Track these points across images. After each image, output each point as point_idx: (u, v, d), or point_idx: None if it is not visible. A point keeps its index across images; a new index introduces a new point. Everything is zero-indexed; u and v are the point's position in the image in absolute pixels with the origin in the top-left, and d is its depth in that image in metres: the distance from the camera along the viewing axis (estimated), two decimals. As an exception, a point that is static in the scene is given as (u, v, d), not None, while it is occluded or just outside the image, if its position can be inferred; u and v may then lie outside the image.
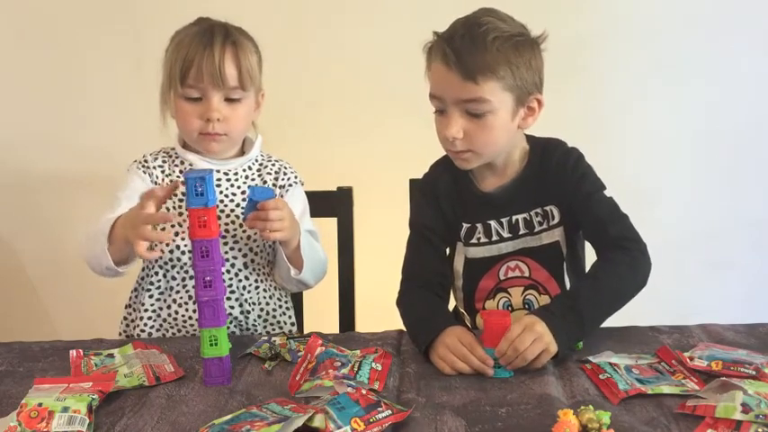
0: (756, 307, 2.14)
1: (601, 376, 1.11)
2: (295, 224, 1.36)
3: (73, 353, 1.24)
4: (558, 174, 1.36)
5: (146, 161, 1.47)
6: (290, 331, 1.48)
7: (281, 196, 1.46)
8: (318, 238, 1.48)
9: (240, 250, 1.42)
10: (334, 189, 1.60)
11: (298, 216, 1.41)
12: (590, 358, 1.17)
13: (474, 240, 1.39)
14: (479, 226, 1.39)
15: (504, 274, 1.39)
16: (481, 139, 1.31)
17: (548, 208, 1.38)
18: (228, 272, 1.41)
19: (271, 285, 1.47)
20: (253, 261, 1.43)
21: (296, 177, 1.50)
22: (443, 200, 1.42)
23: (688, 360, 1.12)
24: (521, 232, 1.38)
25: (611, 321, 1.32)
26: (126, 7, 2.08)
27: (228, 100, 1.38)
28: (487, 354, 1.16)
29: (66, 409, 1.02)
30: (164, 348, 1.26)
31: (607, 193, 1.36)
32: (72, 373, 1.19)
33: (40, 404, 1.02)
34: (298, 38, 2.08)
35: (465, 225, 1.40)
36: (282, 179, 1.48)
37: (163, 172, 1.46)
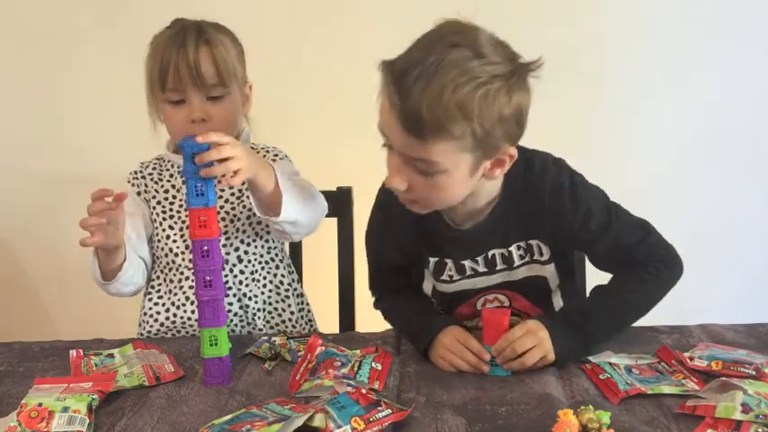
0: (756, 307, 2.14)
1: (601, 376, 1.10)
2: (253, 155, 1.24)
3: (73, 353, 1.24)
4: (551, 210, 1.21)
5: (135, 172, 1.48)
6: (291, 320, 1.47)
7: None
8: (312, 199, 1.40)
9: (232, 245, 1.42)
10: (334, 189, 1.60)
11: (287, 174, 1.35)
12: (590, 358, 1.17)
13: (445, 277, 1.28)
14: (449, 262, 1.27)
15: (482, 305, 1.30)
16: (431, 196, 1.14)
17: (533, 242, 1.24)
18: (223, 268, 1.41)
19: (267, 274, 1.46)
20: (246, 253, 1.43)
21: (276, 155, 1.48)
22: (402, 230, 1.28)
23: (688, 360, 1.12)
24: (498, 267, 1.26)
25: (611, 321, 1.32)
26: (125, 7, 2.08)
27: (211, 98, 1.36)
28: (486, 350, 1.16)
29: (66, 409, 1.02)
30: (164, 348, 1.26)
31: (617, 215, 1.23)
32: (72, 373, 1.19)
33: (40, 404, 1.02)
34: (298, 38, 2.09)
35: (432, 259, 1.27)
36: (264, 158, 1.46)
37: (152, 179, 1.46)
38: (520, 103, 1.08)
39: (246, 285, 1.43)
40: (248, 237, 1.43)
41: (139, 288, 1.45)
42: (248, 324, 1.44)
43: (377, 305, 1.39)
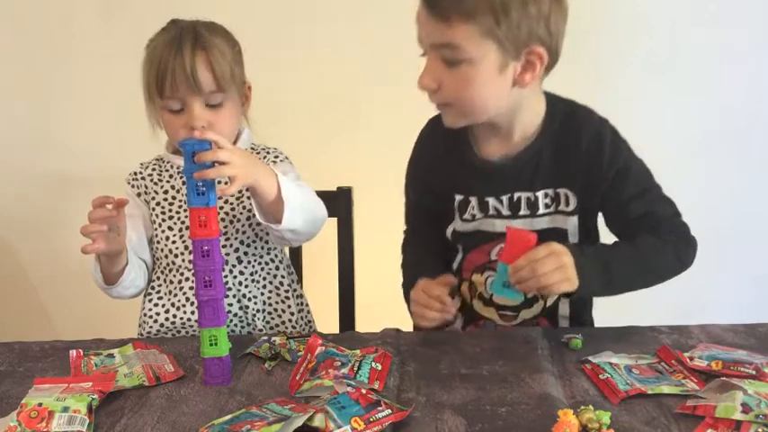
0: (756, 307, 2.14)
1: (601, 376, 1.10)
2: (254, 162, 1.24)
3: (73, 353, 1.24)
4: (588, 160, 1.20)
5: (135, 173, 1.48)
6: (291, 321, 1.48)
7: None
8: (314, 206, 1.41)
9: (232, 245, 1.42)
10: (334, 189, 1.60)
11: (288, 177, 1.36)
12: (590, 358, 1.17)
13: (467, 216, 1.27)
14: (473, 200, 1.26)
15: (497, 255, 1.25)
16: (459, 93, 1.14)
17: (561, 191, 1.23)
18: (223, 269, 1.41)
19: (267, 275, 1.47)
20: (246, 254, 1.43)
21: (276, 157, 1.47)
22: (433, 165, 1.29)
23: (688, 360, 1.12)
24: (521, 212, 1.24)
25: (611, 321, 1.32)
26: (125, 6, 2.08)
27: (210, 105, 1.35)
28: (501, 270, 1.12)
29: (66, 409, 1.02)
30: (164, 348, 1.26)
31: (654, 185, 1.25)
32: (72, 373, 1.19)
33: (40, 404, 1.02)
34: (298, 37, 2.09)
35: (457, 197, 1.27)
36: (265, 160, 1.46)
37: (152, 180, 1.46)
38: (549, 10, 1.11)
39: (246, 286, 1.43)
40: (248, 238, 1.43)
41: (141, 290, 1.46)
42: (248, 325, 1.44)
43: (402, 249, 1.38)
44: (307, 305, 1.54)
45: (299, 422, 0.93)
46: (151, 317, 1.44)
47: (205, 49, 1.34)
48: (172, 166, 1.46)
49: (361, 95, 2.07)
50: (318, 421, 0.94)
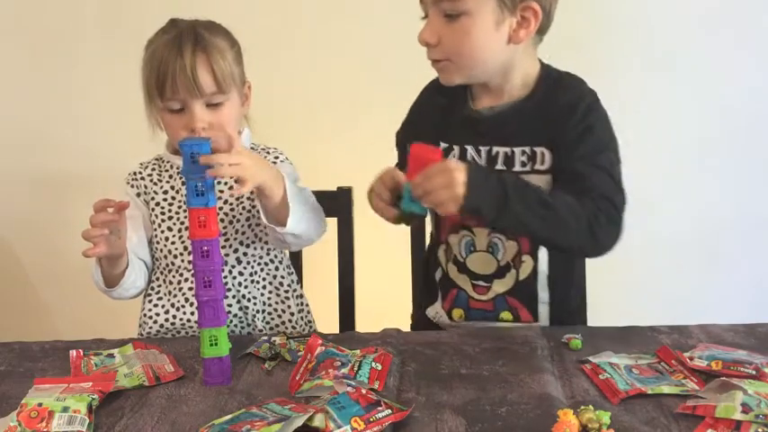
0: (756, 307, 2.14)
1: (601, 376, 1.10)
2: (262, 164, 1.26)
3: (73, 353, 1.24)
4: (562, 116, 1.23)
5: (134, 173, 1.47)
6: (291, 321, 1.47)
7: None
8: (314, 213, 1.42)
9: (231, 246, 1.42)
10: (335, 189, 1.60)
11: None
12: (590, 358, 1.17)
13: None
14: (456, 149, 1.30)
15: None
16: (457, 45, 1.20)
17: (538, 150, 1.25)
18: (222, 270, 1.41)
19: (267, 275, 1.46)
20: (245, 255, 1.43)
21: (277, 158, 1.47)
22: (428, 113, 1.33)
23: (688, 360, 1.12)
24: (497, 167, 1.26)
25: (611, 321, 1.32)
26: (126, 6, 2.08)
27: (211, 105, 1.35)
28: (406, 186, 1.14)
29: (66, 409, 1.02)
30: (164, 348, 1.26)
31: (609, 159, 1.23)
32: (72, 373, 1.19)
33: (40, 404, 1.02)
34: (298, 37, 2.09)
35: (442, 144, 1.30)
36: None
37: (151, 180, 1.46)
38: None
39: (246, 287, 1.43)
40: (248, 238, 1.43)
41: (141, 291, 1.46)
42: (248, 325, 1.44)
43: None
44: (307, 305, 1.53)
45: (299, 422, 0.93)
46: (151, 317, 1.44)
47: (205, 50, 1.34)
48: (171, 166, 1.46)
49: (361, 95, 2.07)
50: (318, 421, 0.94)
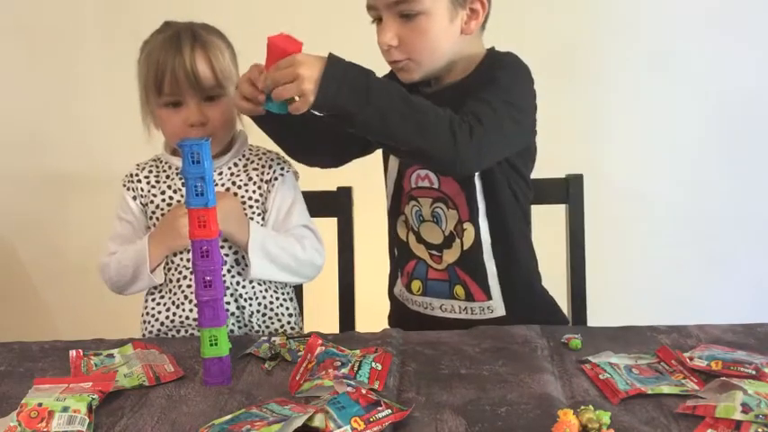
0: (756, 307, 2.15)
1: (601, 376, 1.10)
2: (234, 217, 1.35)
3: (72, 353, 1.24)
4: (482, 78, 1.28)
5: (131, 175, 1.48)
6: (290, 323, 1.48)
7: (268, 191, 1.44)
8: (313, 234, 1.45)
9: (231, 247, 1.42)
10: (334, 189, 1.60)
11: (286, 209, 1.43)
12: (590, 358, 1.17)
13: None
14: None
15: (415, 182, 1.37)
16: (417, 45, 1.25)
17: None
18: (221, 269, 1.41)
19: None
20: (244, 258, 1.43)
21: (282, 169, 1.46)
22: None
23: (688, 360, 1.12)
24: None
25: (611, 321, 1.32)
26: (126, 6, 2.08)
27: (208, 99, 1.37)
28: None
29: (66, 409, 1.02)
30: (163, 348, 1.26)
31: (498, 97, 1.22)
32: (72, 373, 1.19)
33: (39, 404, 1.02)
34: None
35: None
36: (268, 173, 1.45)
37: (149, 183, 1.46)
38: None
39: (243, 287, 1.43)
40: None
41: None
42: (245, 326, 1.44)
43: None
44: (296, 308, 1.53)
45: (299, 422, 0.93)
46: (153, 315, 1.44)
47: (204, 46, 1.35)
48: (170, 167, 1.46)
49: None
50: (318, 421, 0.94)
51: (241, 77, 1.26)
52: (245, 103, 1.24)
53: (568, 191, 1.55)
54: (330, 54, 1.15)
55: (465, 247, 1.38)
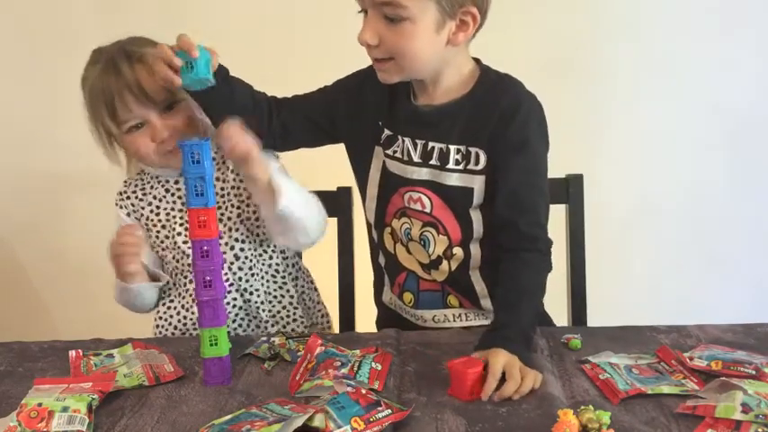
0: (755, 307, 2.14)
1: (601, 376, 1.10)
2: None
3: (72, 353, 1.24)
4: (499, 122, 1.25)
5: (121, 192, 1.48)
6: (291, 304, 1.48)
7: None
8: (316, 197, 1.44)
9: (227, 244, 1.42)
10: (334, 189, 1.60)
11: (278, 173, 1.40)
12: (590, 358, 1.17)
13: (390, 152, 1.33)
14: (399, 138, 1.32)
15: (407, 202, 1.33)
16: (398, 47, 1.21)
17: (472, 149, 1.27)
18: (222, 267, 1.41)
19: (263, 266, 1.46)
20: (242, 250, 1.43)
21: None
22: (371, 95, 1.35)
23: (688, 360, 1.12)
24: (431, 162, 1.29)
25: (611, 321, 1.32)
26: (126, 7, 2.08)
27: (167, 112, 1.36)
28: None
29: (65, 409, 1.02)
30: (163, 348, 1.26)
31: (538, 177, 1.27)
32: (72, 373, 1.19)
33: (39, 404, 1.02)
34: (297, 37, 2.08)
35: (387, 132, 1.34)
36: None
37: (137, 197, 1.46)
38: None
39: (247, 281, 1.44)
40: (242, 234, 1.43)
41: (153, 305, 1.48)
42: (254, 317, 1.45)
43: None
44: (302, 286, 1.52)
45: (299, 422, 0.93)
46: (166, 320, 1.45)
47: (141, 60, 1.33)
48: (152, 177, 1.46)
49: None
50: (318, 421, 0.94)
51: (156, 57, 1.24)
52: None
53: (568, 191, 1.55)
54: (499, 343, 1.14)
55: (452, 269, 1.35)
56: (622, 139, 2.16)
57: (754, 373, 1.07)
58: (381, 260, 1.44)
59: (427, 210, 1.31)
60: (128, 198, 1.47)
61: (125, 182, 1.49)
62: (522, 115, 1.25)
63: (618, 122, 2.15)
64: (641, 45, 2.11)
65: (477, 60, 1.33)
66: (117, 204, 1.48)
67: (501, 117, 1.25)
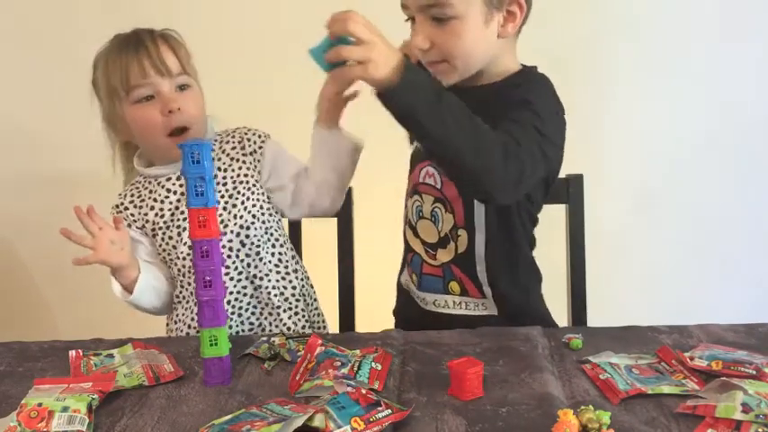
0: (756, 307, 2.14)
1: (601, 376, 1.10)
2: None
3: (72, 353, 1.24)
4: (513, 91, 1.24)
5: (117, 205, 1.48)
6: (297, 287, 1.49)
7: (258, 162, 1.45)
8: None
9: (233, 231, 1.42)
10: (334, 189, 1.59)
11: (287, 159, 1.45)
12: (590, 358, 1.17)
13: None
14: None
15: (423, 178, 1.37)
16: (450, 48, 1.21)
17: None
18: (229, 256, 1.43)
19: (268, 252, 1.46)
20: (248, 237, 1.43)
21: (260, 138, 1.47)
22: None
23: (688, 360, 1.12)
24: None
25: (611, 321, 1.32)
26: (127, 5, 2.08)
27: (179, 88, 1.38)
28: (325, 41, 1.12)
29: (65, 409, 1.02)
30: (163, 348, 1.26)
31: (531, 121, 1.19)
32: (72, 373, 1.19)
33: (39, 404, 1.02)
34: (297, 38, 2.08)
35: None
36: (249, 146, 1.46)
37: (135, 206, 1.46)
38: None
39: (255, 266, 1.44)
40: (246, 221, 1.44)
41: (163, 306, 1.48)
42: (266, 304, 1.45)
43: None
44: (303, 280, 1.53)
45: (299, 422, 0.93)
46: (183, 321, 1.46)
47: (164, 37, 1.38)
48: (149, 181, 1.46)
49: (360, 96, 2.07)
50: (318, 421, 0.94)
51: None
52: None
53: (568, 191, 1.55)
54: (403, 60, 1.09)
55: (459, 251, 1.38)
56: (622, 139, 2.16)
57: (754, 373, 1.07)
58: (405, 237, 1.47)
59: (437, 186, 1.34)
60: (126, 209, 1.46)
61: (119, 195, 1.49)
62: (526, 83, 1.27)
63: (618, 122, 2.15)
64: (641, 45, 2.11)
65: (525, 66, 1.33)
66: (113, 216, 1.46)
67: (515, 88, 1.25)
